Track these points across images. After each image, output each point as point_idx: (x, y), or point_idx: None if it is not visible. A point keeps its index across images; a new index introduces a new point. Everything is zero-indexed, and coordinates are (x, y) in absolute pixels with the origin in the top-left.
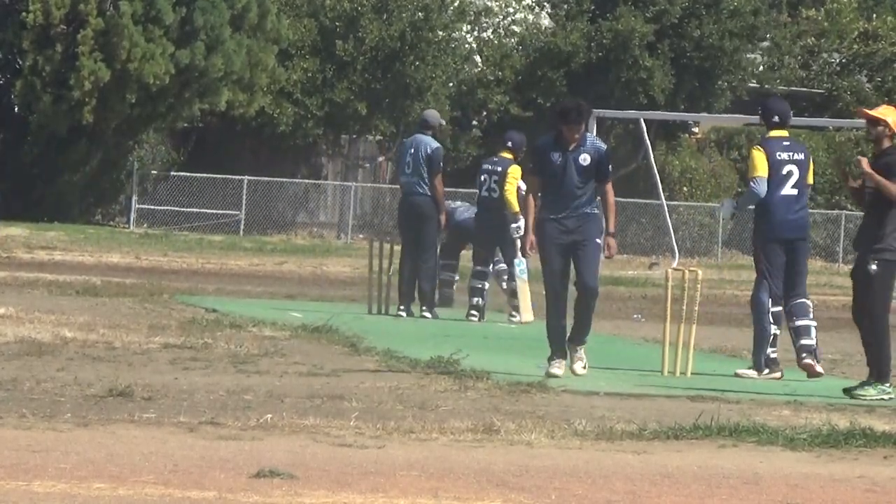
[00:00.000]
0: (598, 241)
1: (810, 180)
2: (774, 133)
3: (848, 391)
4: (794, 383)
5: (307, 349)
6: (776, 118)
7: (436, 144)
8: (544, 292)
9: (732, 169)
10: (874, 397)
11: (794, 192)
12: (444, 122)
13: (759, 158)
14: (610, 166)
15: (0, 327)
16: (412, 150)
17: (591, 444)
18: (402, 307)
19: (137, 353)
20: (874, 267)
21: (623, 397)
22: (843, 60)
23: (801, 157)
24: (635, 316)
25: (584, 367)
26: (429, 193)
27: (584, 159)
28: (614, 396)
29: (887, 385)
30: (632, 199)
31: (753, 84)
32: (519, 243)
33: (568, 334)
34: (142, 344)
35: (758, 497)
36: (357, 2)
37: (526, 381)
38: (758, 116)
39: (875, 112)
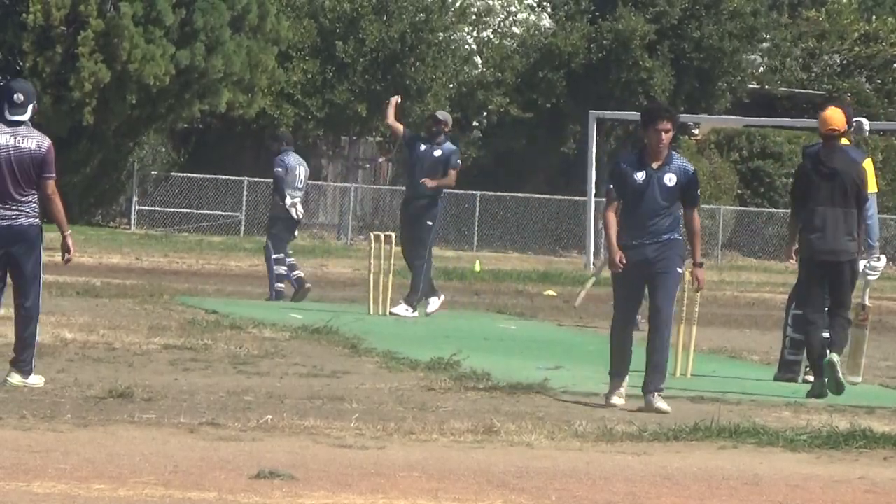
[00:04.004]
0: (679, 270)
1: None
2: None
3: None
4: (794, 385)
5: (307, 350)
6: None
7: None
8: (613, 318)
9: (733, 170)
10: None
11: None
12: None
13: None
14: (699, 190)
15: (0, 328)
16: None
17: (591, 446)
18: None
19: (137, 354)
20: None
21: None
22: (844, 62)
23: None
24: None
25: (667, 407)
26: None
27: (670, 179)
28: None
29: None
30: None
31: (753, 85)
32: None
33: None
34: (142, 345)
35: (758, 498)
36: (357, 3)
37: (526, 383)
38: (753, 118)
39: (828, 129)
